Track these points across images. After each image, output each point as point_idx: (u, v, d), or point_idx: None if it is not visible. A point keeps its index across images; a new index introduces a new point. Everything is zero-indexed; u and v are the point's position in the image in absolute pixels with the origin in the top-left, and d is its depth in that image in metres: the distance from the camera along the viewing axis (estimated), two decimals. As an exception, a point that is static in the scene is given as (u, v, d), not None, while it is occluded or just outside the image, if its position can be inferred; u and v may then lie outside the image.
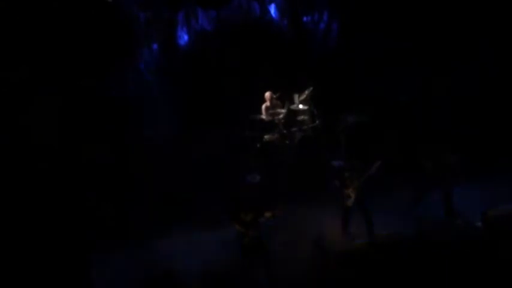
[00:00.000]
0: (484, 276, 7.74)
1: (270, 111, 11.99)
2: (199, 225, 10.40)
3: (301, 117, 12.38)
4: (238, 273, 9.05)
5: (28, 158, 10.25)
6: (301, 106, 12.37)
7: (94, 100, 11.58)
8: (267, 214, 8.79)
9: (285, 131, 12.13)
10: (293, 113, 12.32)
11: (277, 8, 13.73)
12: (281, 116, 12.05)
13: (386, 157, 10.24)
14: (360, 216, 9.54)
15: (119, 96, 12.14)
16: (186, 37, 13.39)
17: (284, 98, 12.20)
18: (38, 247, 9.61)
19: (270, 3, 13.61)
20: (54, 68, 10.90)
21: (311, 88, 12.24)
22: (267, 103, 11.97)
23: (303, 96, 12.33)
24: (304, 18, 13.74)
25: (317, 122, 12.37)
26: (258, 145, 12.04)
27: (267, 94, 11.95)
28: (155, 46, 13.03)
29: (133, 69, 12.82)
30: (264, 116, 12.02)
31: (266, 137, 12.11)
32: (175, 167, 11.48)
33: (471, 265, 8.06)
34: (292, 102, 12.37)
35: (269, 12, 13.73)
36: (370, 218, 9.58)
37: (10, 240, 9.65)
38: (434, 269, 8.16)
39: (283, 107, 12.17)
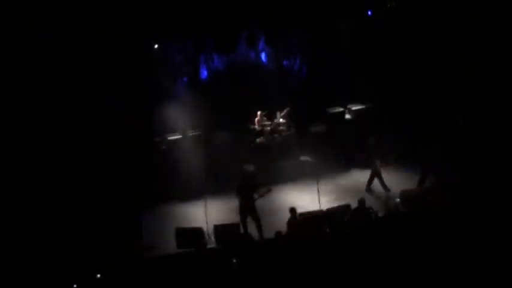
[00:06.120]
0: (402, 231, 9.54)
1: (260, 123, 14.56)
2: (215, 197, 12.96)
3: (281, 127, 14.62)
4: (239, 226, 11.36)
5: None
6: (281, 120, 14.63)
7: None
8: (259, 190, 11.38)
9: (270, 137, 14.53)
10: (276, 125, 14.58)
11: (266, 55, 15.86)
12: (268, 126, 14.56)
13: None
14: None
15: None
16: (205, 73, 15.67)
17: (270, 114, 14.64)
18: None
19: (261, 51, 15.70)
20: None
21: (288, 108, 14.57)
22: (258, 118, 14.55)
23: (283, 113, 14.63)
24: (284, 62, 16.05)
25: (292, 130, 14.78)
26: (253, 145, 14.58)
27: (259, 112, 14.53)
28: (185, 79, 15.45)
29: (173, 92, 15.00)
30: (256, 127, 14.56)
31: (258, 140, 14.60)
32: (200, 157, 13.88)
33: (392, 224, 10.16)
34: (275, 117, 14.63)
35: (261, 58, 15.84)
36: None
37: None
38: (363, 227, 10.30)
39: (269, 121, 14.61)
